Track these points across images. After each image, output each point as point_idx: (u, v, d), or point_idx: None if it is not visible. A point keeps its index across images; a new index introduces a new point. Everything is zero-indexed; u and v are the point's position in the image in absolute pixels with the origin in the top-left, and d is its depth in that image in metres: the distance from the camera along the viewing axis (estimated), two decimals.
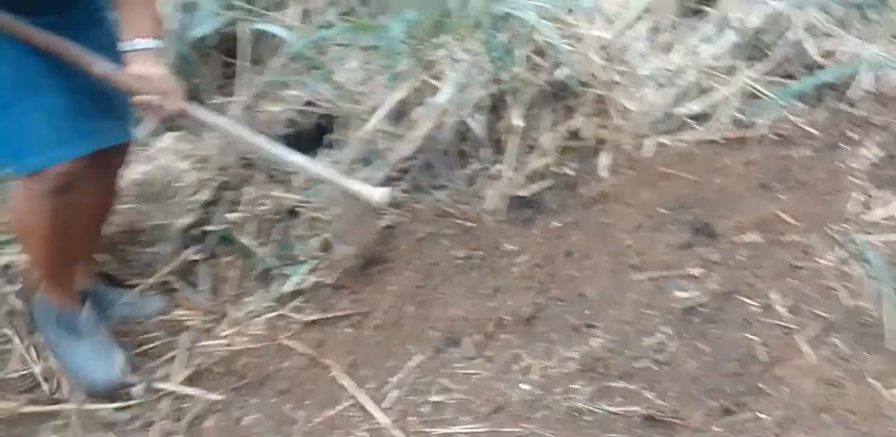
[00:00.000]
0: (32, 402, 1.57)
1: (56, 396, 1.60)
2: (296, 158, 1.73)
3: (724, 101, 2.37)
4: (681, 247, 1.95)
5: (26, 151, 1.41)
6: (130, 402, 1.60)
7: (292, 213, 2.10)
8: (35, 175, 1.43)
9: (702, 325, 1.74)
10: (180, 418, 1.60)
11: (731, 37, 2.50)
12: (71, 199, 1.48)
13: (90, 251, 1.77)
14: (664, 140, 2.31)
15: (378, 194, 1.78)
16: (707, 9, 2.66)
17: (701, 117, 2.38)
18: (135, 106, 1.45)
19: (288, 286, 1.92)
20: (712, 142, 2.30)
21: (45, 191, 1.44)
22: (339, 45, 2.33)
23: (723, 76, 2.43)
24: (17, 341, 1.70)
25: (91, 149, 1.45)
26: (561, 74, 2.25)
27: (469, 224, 2.09)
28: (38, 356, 1.66)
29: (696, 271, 1.86)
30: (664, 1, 2.62)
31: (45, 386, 1.62)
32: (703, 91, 2.42)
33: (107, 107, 1.51)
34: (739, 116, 2.35)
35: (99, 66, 1.39)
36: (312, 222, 2.08)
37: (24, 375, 1.61)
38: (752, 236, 1.94)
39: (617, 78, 2.35)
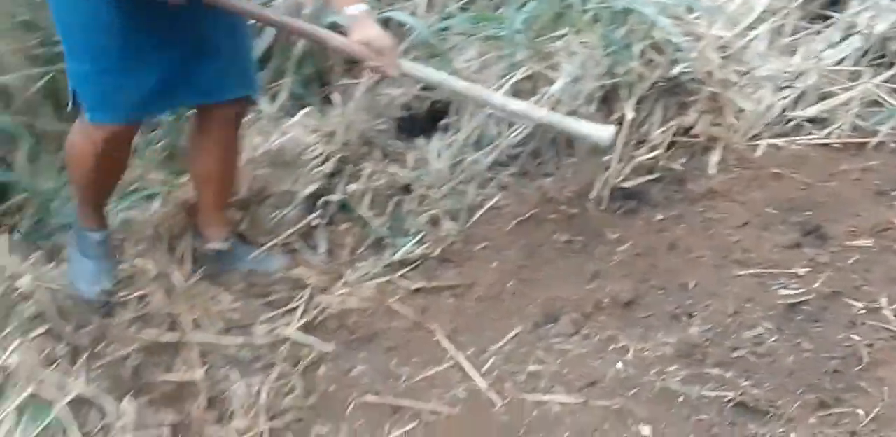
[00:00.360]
0: (171, 330, 1.75)
1: (190, 331, 1.77)
2: (518, 104, 1.76)
3: (844, 106, 2.34)
4: (788, 247, 1.94)
5: (107, 108, 1.62)
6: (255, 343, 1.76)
7: (405, 189, 2.23)
8: (99, 126, 1.63)
9: (804, 322, 1.74)
10: (296, 363, 1.74)
11: (856, 42, 2.46)
12: (116, 152, 1.71)
13: (224, 200, 1.97)
14: (778, 142, 2.30)
15: (606, 133, 1.72)
16: (833, 14, 2.62)
17: (818, 121, 2.36)
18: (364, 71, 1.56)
19: (398, 255, 2.03)
20: (828, 146, 2.28)
21: (99, 139, 1.65)
22: (459, 34, 2.43)
23: (845, 81, 2.39)
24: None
25: (146, 116, 1.72)
26: (676, 70, 2.27)
27: (573, 211, 2.16)
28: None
29: (803, 271, 1.86)
30: (788, 4, 2.60)
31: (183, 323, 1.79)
32: (823, 95, 2.39)
33: (201, 73, 1.68)
34: (859, 122, 2.32)
35: (335, 40, 1.52)
36: (423, 198, 2.19)
37: (169, 313, 1.79)
38: (864, 241, 1.92)
39: (734, 78, 2.36)
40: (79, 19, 1.56)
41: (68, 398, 1.44)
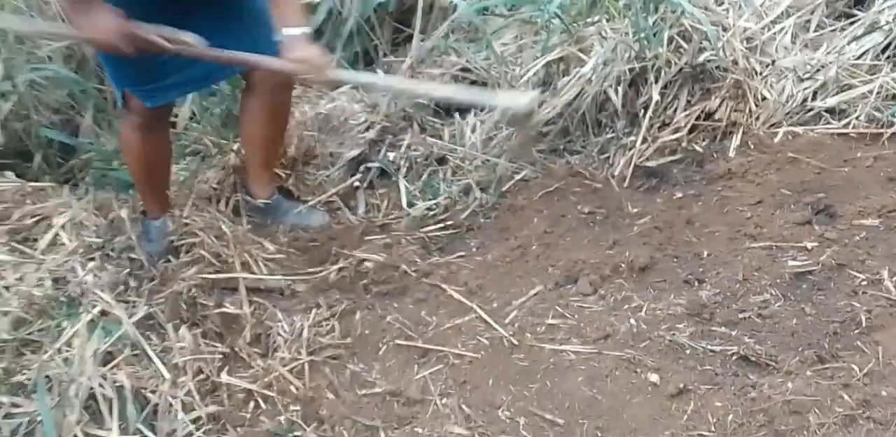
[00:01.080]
0: (221, 272, 1.92)
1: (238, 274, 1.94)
2: (442, 90, 1.95)
3: (863, 98, 2.44)
4: (799, 224, 2.05)
5: (157, 97, 1.80)
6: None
7: (441, 160, 2.38)
8: (139, 114, 1.82)
9: (809, 291, 1.85)
10: (333, 308, 1.90)
11: (877, 38, 2.56)
12: (156, 137, 1.90)
13: (271, 161, 2.14)
14: (797, 130, 2.41)
15: (524, 99, 1.78)
16: (858, 13, 2.72)
17: (837, 112, 2.46)
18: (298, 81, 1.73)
19: (430, 219, 2.18)
20: (845, 135, 2.38)
21: (135, 125, 1.86)
22: (498, 15, 2.57)
23: (864, 75, 2.49)
24: None
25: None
26: (703, 58, 2.40)
27: (596, 185, 2.29)
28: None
29: (811, 245, 1.97)
30: (814, 1, 2.71)
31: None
32: (843, 88, 2.49)
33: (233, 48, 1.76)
34: (876, 113, 2.41)
35: (272, 62, 1.68)
36: (457, 168, 2.35)
37: (220, 258, 1.96)
38: (872, 221, 2.03)
39: (758, 67, 2.47)
40: None
41: (136, 318, 1.61)
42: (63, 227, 1.85)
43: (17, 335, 1.48)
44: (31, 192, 2.10)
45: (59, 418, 1.39)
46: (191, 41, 1.59)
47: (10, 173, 2.16)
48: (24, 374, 1.45)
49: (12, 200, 2.00)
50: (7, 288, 1.59)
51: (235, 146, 2.26)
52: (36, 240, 1.84)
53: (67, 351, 1.49)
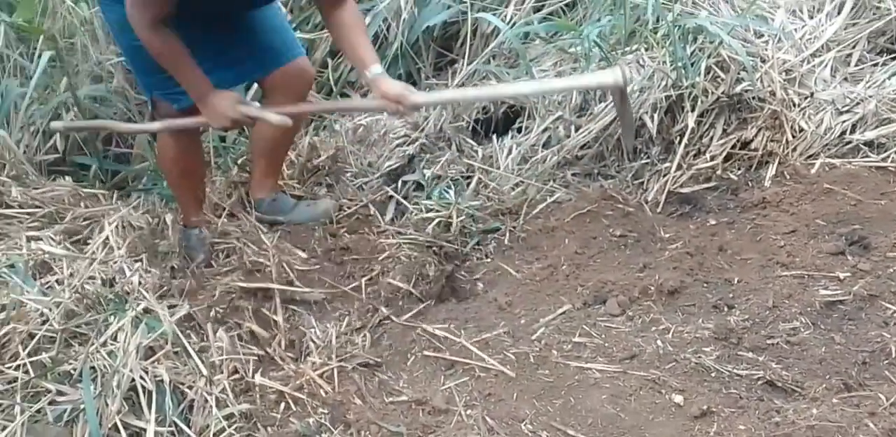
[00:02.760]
0: (257, 280, 2.00)
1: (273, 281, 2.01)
2: (529, 86, 1.99)
3: None
4: (832, 254, 2.05)
5: (181, 99, 1.90)
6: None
7: (476, 180, 2.44)
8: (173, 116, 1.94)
9: (840, 320, 1.84)
10: (364, 316, 1.95)
11: None
12: (186, 142, 2.02)
13: (278, 165, 2.29)
14: (834, 161, 2.41)
15: (611, 76, 1.83)
16: None
17: (875, 146, 2.45)
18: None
19: (461, 234, 2.24)
20: (882, 169, 2.37)
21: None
22: (541, 38, 2.64)
23: None
24: None
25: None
26: (740, 88, 2.43)
27: (629, 209, 2.32)
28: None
29: (844, 275, 1.96)
30: (856, 36, 2.73)
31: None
32: (882, 121, 2.49)
33: (243, 56, 1.98)
34: None
35: (368, 103, 1.87)
36: (491, 188, 2.40)
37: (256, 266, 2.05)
38: None
39: (796, 99, 2.49)
40: (129, 41, 1.85)
41: (177, 317, 1.69)
42: (113, 230, 1.95)
43: (67, 326, 1.57)
44: (85, 196, 2.22)
45: (101, 407, 1.47)
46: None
47: (68, 179, 2.29)
48: (70, 364, 1.53)
49: (67, 202, 2.11)
50: (58, 282, 1.68)
51: (240, 161, 2.39)
52: (88, 240, 1.94)
53: (112, 344, 1.57)
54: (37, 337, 1.53)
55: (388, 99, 1.82)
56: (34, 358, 1.51)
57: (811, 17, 2.75)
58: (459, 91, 2.00)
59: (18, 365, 1.50)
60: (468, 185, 2.41)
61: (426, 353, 1.87)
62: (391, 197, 2.30)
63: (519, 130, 2.65)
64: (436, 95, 1.98)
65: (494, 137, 2.67)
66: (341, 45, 1.89)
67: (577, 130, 2.51)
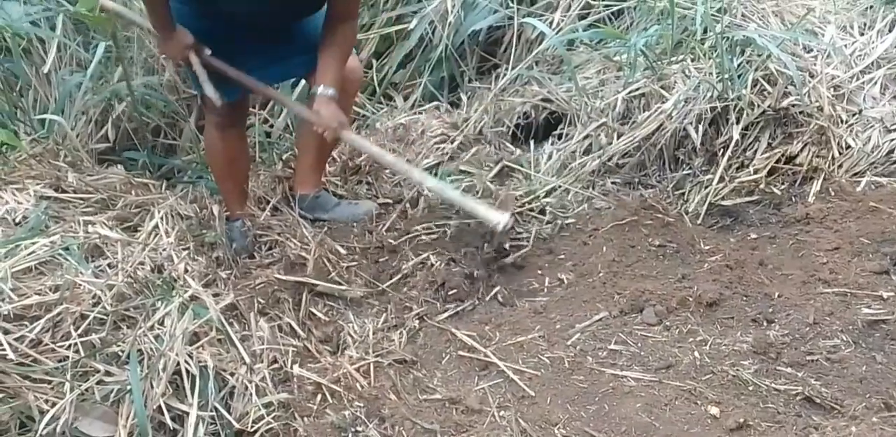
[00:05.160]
0: (298, 273, 2.03)
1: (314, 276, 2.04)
2: (434, 182, 2.08)
3: None
4: (876, 272, 2.02)
5: (226, 92, 1.99)
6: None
7: (506, 175, 2.46)
8: (218, 112, 2.04)
9: (882, 340, 1.82)
10: (402, 314, 1.98)
11: None
12: (233, 136, 2.11)
13: (320, 166, 2.33)
14: (881, 180, 2.38)
15: (500, 218, 2.01)
16: None
17: None
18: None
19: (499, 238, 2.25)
20: None
21: (215, 124, 2.09)
22: (586, 45, 2.65)
23: None
24: None
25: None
26: (787, 102, 2.41)
27: (669, 220, 2.31)
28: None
29: (887, 294, 1.94)
30: None
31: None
32: None
33: (285, 56, 2.04)
34: None
35: (300, 109, 1.98)
36: (530, 193, 2.41)
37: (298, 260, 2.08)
38: None
39: (843, 115, 2.47)
40: None
41: (221, 305, 1.72)
42: (162, 218, 2.00)
43: (118, 309, 1.61)
44: (136, 185, 2.27)
45: (147, 388, 1.50)
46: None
47: (120, 167, 2.35)
48: (118, 346, 1.57)
49: (119, 190, 2.17)
50: (110, 266, 1.72)
51: (285, 156, 2.43)
52: (138, 227, 1.99)
53: (159, 329, 1.61)
54: (88, 318, 1.58)
55: (320, 120, 1.94)
56: (85, 339, 1.56)
57: (862, 34, 2.72)
58: (381, 151, 2.10)
59: (70, 345, 1.54)
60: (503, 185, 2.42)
61: (461, 353, 1.89)
62: (423, 195, 2.32)
63: (559, 137, 2.66)
64: (361, 141, 2.09)
65: (532, 143, 2.68)
66: (319, 56, 1.97)
67: (619, 137, 2.51)
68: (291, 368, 1.73)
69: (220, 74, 1.96)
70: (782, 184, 2.40)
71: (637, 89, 2.52)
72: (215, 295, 1.78)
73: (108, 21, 2.25)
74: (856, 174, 2.42)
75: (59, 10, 2.52)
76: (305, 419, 1.64)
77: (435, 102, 2.74)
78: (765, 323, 1.91)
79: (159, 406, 1.50)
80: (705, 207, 2.34)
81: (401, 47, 2.88)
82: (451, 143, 2.45)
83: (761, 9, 2.67)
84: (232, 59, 1.96)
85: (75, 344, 1.54)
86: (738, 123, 2.39)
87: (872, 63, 2.61)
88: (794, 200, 2.36)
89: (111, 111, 2.59)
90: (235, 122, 2.17)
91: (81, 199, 2.00)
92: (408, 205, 2.28)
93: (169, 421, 1.51)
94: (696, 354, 1.83)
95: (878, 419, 1.58)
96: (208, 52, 1.95)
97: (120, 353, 1.56)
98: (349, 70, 2.16)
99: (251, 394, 1.59)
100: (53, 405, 1.46)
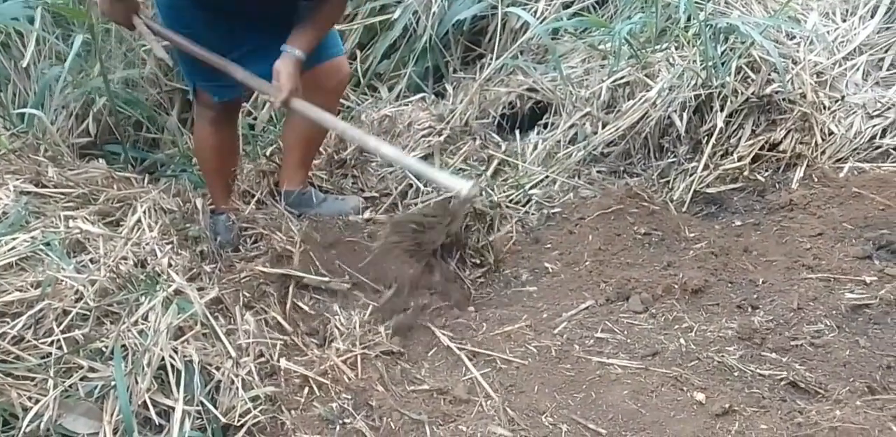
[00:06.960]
0: (284, 265, 2.02)
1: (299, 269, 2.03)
2: (389, 149, 1.91)
3: None
4: (859, 258, 2.04)
5: (219, 91, 1.98)
6: None
7: (499, 173, 2.46)
8: (213, 106, 2.02)
9: (865, 324, 1.84)
10: (388, 305, 1.97)
11: None
12: (225, 131, 2.07)
13: (306, 163, 2.30)
14: (863, 166, 2.40)
15: (466, 187, 1.80)
16: None
17: None
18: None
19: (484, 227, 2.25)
20: None
21: (207, 119, 2.06)
22: (570, 34, 2.64)
23: None
24: None
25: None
26: (770, 89, 2.42)
27: (654, 208, 2.32)
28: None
29: (870, 279, 1.95)
30: (889, 40, 2.71)
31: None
32: None
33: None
34: None
35: (243, 76, 1.86)
36: (515, 183, 2.41)
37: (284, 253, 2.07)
38: None
39: (826, 102, 2.48)
40: (179, 28, 1.90)
41: (206, 299, 1.71)
42: (145, 212, 1.98)
43: (101, 304, 1.59)
44: (118, 179, 2.25)
45: (132, 384, 1.49)
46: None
47: (101, 161, 2.33)
48: (102, 342, 1.56)
49: (101, 184, 2.15)
50: (92, 261, 1.71)
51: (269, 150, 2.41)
52: (120, 222, 1.97)
53: (143, 324, 1.60)
54: (71, 314, 1.56)
55: (278, 75, 1.81)
56: (68, 335, 1.54)
57: (844, 20, 2.73)
58: (333, 118, 1.95)
59: (52, 341, 1.53)
60: (491, 177, 2.41)
61: (449, 344, 1.89)
62: (413, 187, 2.31)
63: (545, 127, 2.65)
64: (310, 109, 1.90)
65: (518, 132, 2.68)
66: (298, 21, 1.88)
67: (604, 126, 2.51)
68: (278, 361, 1.72)
69: (213, 68, 1.91)
70: (766, 171, 2.42)
71: (622, 78, 2.52)
72: (200, 289, 1.76)
73: (85, 13, 2.21)
74: (839, 160, 2.43)
75: (38, 3, 2.48)
76: (293, 411, 1.64)
77: (420, 93, 2.72)
78: (749, 309, 1.92)
79: (144, 402, 1.49)
80: (690, 195, 2.35)
81: (385, 38, 2.86)
82: (439, 136, 2.44)
83: None
84: (222, 49, 1.91)
85: (58, 340, 1.52)
86: (722, 110, 2.40)
87: (855, 49, 2.63)
88: (777, 186, 2.38)
89: (92, 105, 2.56)
90: (229, 118, 2.16)
91: (62, 193, 1.98)
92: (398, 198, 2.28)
93: (155, 417, 1.50)
94: (682, 341, 1.84)
95: (862, 402, 1.59)
96: (150, 13, 1.90)
97: (104, 349, 1.55)
98: (336, 69, 2.14)
99: (237, 388, 1.59)
100: (37, 402, 1.45)
